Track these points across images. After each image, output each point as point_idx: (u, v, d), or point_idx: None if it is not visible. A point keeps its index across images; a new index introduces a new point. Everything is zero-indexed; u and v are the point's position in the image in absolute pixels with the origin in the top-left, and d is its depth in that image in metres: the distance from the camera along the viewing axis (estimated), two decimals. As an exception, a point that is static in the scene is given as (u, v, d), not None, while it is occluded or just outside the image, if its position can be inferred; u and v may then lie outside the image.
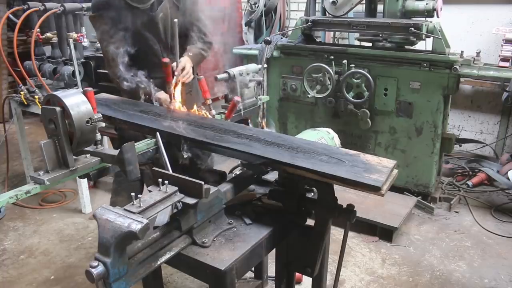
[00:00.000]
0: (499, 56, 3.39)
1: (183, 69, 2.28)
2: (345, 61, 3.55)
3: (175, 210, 1.50)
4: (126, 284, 1.18)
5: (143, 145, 1.75)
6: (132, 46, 2.23)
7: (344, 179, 1.37)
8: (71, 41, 3.18)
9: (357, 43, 4.34)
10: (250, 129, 1.84)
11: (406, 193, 3.70)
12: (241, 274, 1.47)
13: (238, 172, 1.85)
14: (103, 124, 1.82)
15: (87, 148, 1.52)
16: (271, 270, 2.45)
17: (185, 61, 2.33)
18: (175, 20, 2.15)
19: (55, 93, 1.42)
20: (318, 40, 4.69)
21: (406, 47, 3.66)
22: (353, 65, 3.58)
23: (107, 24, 2.26)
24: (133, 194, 1.22)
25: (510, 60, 3.33)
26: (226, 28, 5.17)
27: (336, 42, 5.09)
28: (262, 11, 5.21)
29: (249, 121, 2.25)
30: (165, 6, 2.39)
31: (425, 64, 3.38)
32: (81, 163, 1.50)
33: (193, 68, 2.42)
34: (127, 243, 1.17)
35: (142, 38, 2.35)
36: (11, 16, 3.95)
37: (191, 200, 1.32)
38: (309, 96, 3.76)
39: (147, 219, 1.14)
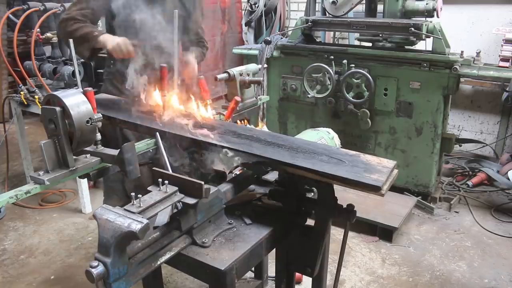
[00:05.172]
0: (499, 56, 3.40)
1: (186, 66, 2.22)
2: (345, 61, 3.55)
3: (175, 210, 1.50)
4: (126, 284, 1.18)
5: (143, 145, 1.74)
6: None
7: (345, 179, 1.37)
8: (71, 41, 3.16)
9: (357, 43, 4.35)
10: (250, 129, 1.84)
11: (406, 193, 3.71)
12: (241, 274, 1.46)
13: (238, 172, 1.85)
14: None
15: (87, 148, 1.52)
16: (271, 270, 2.45)
17: (190, 57, 2.28)
18: (175, 10, 2.12)
19: (55, 93, 1.42)
20: (318, 40, 4.70)
21: (406, 47, 3.67)
22: (353, 65, 3.58)
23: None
24: (132, 194, 1.22)
25: (510, 60, 3.33)
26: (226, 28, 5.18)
27: (336, 42, 5.10)
28: (262, 11, 5.23)
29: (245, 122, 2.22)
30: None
31: (425, 64, 3.38)
32: (81, 163, 1.50)
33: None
34: (127, 243, 1.17)
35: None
36: (11, 16, 3.94)
37: (191, 200, 1.32)
38: (309, 96, 3.76)
39: (147, 219, 1.14)
